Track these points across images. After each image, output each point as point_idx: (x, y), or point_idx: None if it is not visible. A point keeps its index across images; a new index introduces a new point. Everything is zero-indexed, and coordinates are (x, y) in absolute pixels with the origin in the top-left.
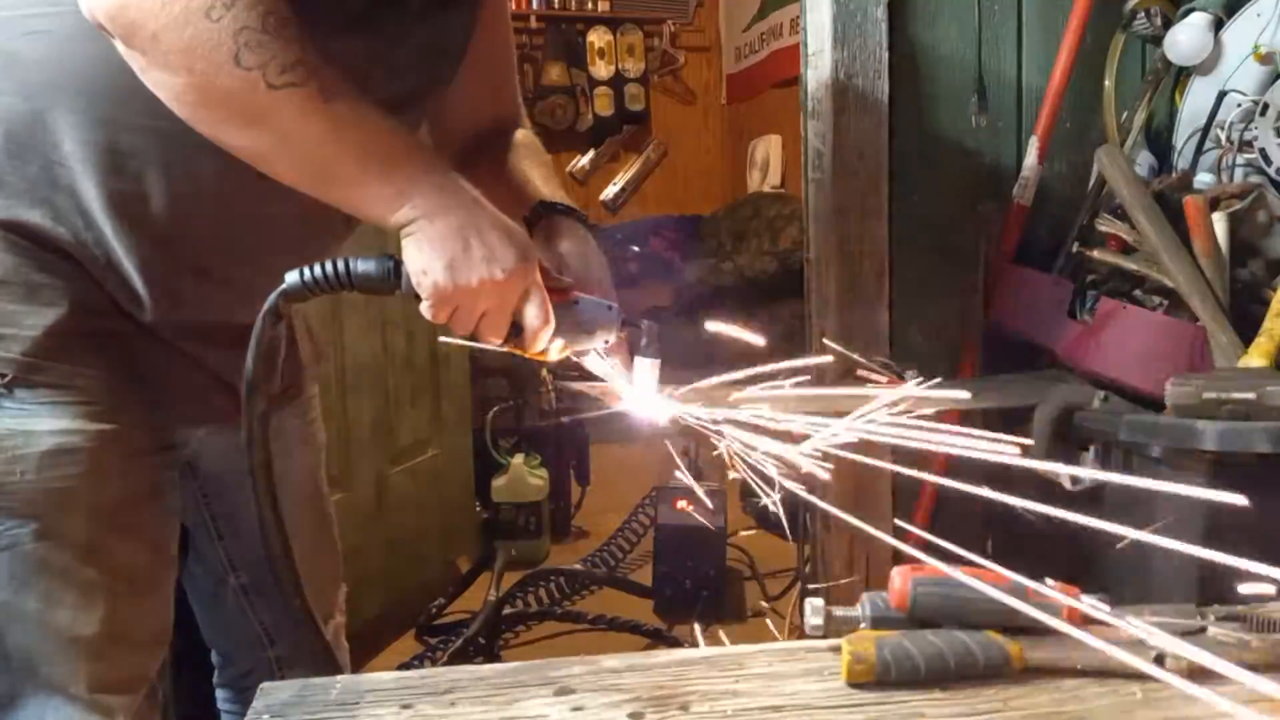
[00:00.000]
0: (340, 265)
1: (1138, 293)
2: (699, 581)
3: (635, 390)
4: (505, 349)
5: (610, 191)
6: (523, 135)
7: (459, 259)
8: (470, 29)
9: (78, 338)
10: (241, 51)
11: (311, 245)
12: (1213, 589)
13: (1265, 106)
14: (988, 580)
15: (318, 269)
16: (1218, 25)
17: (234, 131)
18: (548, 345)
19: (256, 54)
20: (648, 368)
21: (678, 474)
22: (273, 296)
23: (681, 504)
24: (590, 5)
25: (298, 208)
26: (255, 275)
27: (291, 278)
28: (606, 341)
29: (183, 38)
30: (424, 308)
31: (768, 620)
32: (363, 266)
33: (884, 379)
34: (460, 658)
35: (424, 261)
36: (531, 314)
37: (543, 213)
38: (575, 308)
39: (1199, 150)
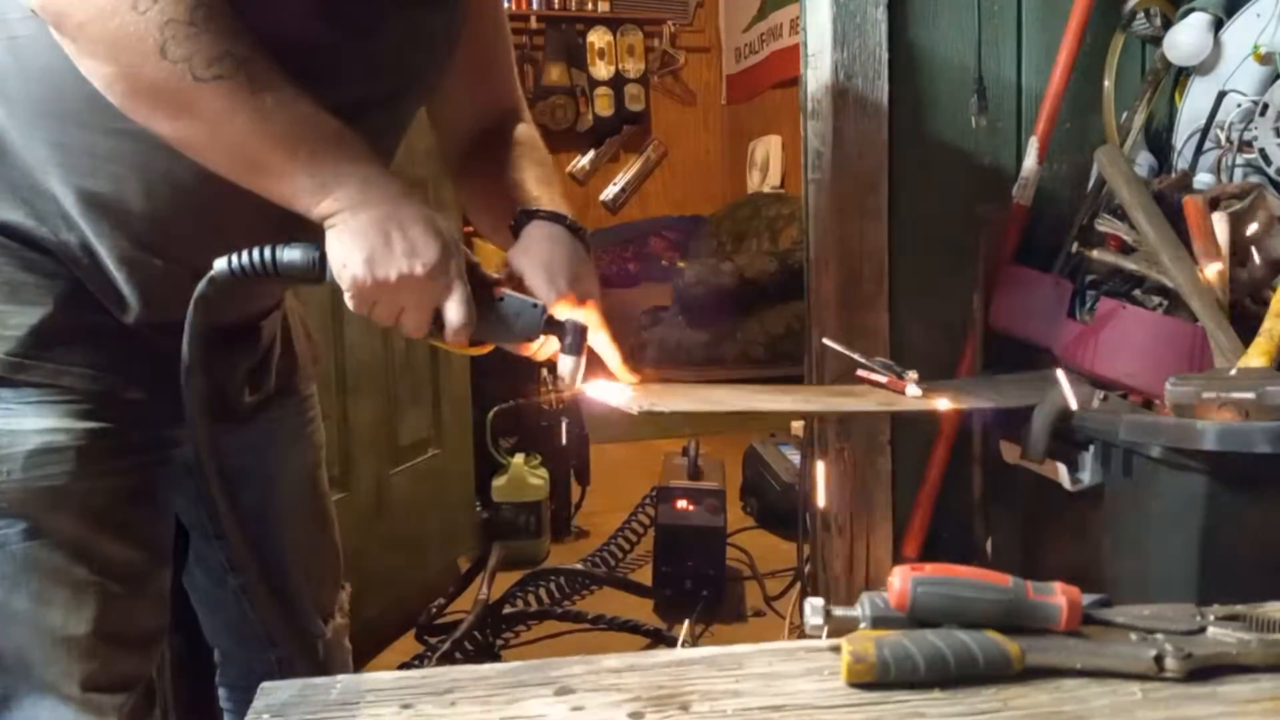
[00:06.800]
0: (266, 253)
1: (1137, 293)
2: (699, 581)
3: (563, 384)
4: (428, 342)
5: (610, 191)
6: (523, 132)
7: (379, 253)
8: (457, 22)
9: (63, 336)
10: (168, 44)
11: None
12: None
13: (1265, 106)
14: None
15: (244, 256)
16: (1217, 25)
17: (164, 121)
18: (468, 340)
19: (183, 46)
20: (570, 364)
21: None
22: (201, 284)
23: (681, 504)
24: (590, 5)
25: (280, 207)
26: None
27: (219, 264)
28: (529, 338)
29: (109, 29)
30: (346, 299)
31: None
32: (288, 255)
33: (884, 379)
34: (449, 661)
35: (344, 254)
36: (451, 310)
37: (525, 221)
38: (499, 304)
39: (1199, 150)
